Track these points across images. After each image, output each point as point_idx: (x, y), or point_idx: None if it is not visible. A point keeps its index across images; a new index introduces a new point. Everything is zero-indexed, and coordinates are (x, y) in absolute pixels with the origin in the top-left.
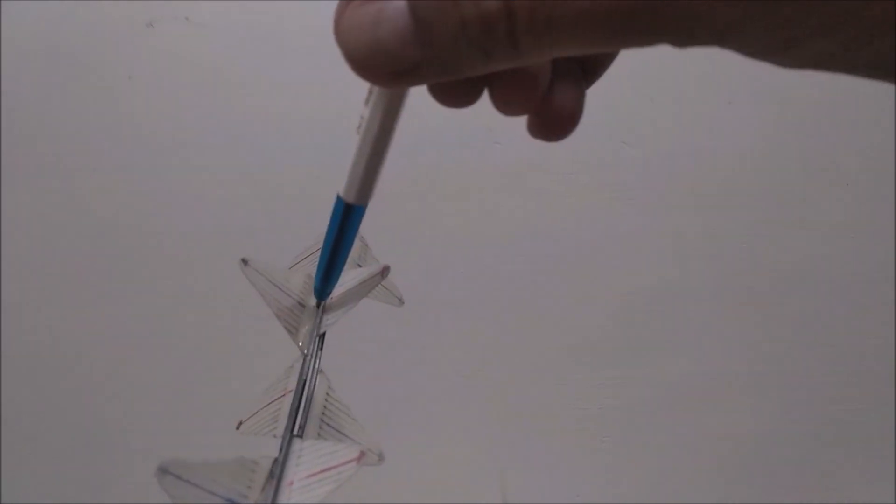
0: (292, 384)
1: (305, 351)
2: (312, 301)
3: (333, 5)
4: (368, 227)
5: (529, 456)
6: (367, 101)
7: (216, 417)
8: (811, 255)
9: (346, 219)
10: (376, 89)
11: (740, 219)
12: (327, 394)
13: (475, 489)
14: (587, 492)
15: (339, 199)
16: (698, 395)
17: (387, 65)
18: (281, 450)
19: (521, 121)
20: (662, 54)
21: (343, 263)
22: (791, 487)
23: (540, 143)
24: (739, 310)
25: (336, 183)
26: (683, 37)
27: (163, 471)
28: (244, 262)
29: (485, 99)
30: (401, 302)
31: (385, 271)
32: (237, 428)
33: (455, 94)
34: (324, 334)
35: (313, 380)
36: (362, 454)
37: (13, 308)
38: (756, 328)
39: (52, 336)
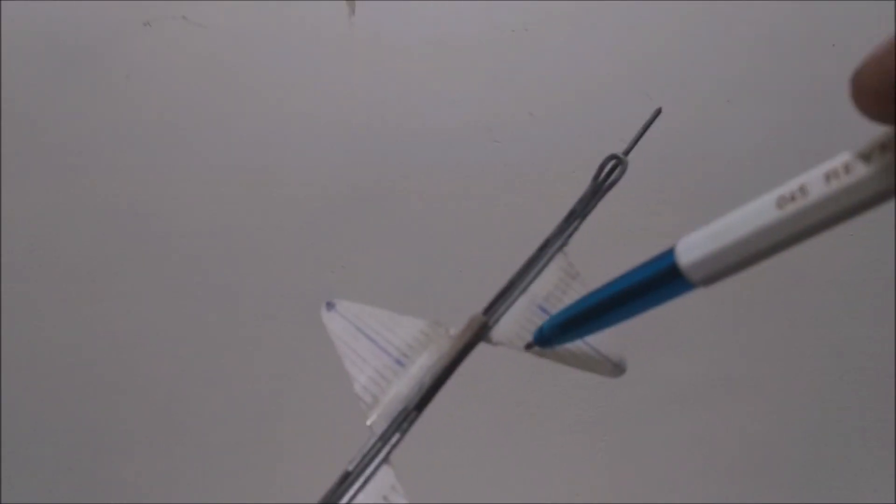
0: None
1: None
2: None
3: (333, 4)
4: (368, 226)
5: (529, 456)
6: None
7: (217, 417)
8: (811, 254)
9: (665, 286)
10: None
11: None
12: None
13: (475, 489)
14: (587, 492)
15: (672, 261)
16: (698, 395)
17: None
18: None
19: (521, 121)
20: (661, 53)
21: (605, 327)
22: (791, 487)
23: (539, 143)
24: (739, 310)
25: (336, 184)
26: None
27: (329, 305)
28: (329, 305)
29: (484, 99)
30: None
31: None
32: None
33: None
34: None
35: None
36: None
37: (13, 308)
38: (756, 328)
39: (52, 336)
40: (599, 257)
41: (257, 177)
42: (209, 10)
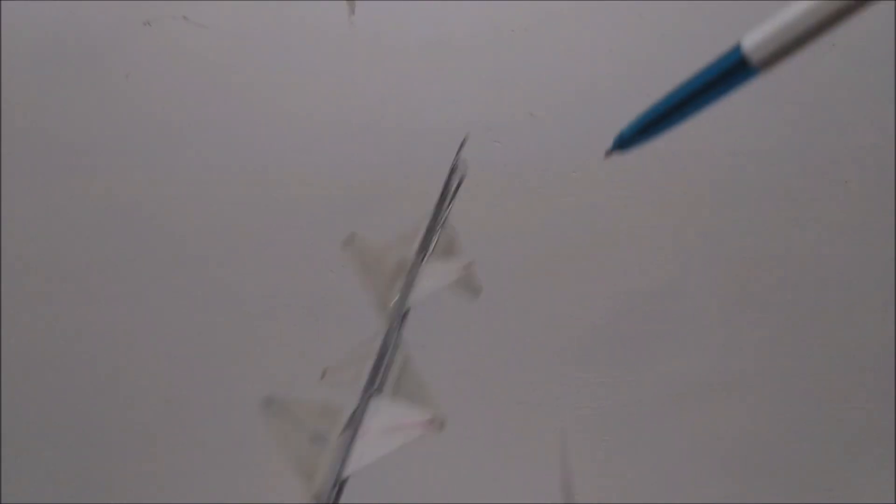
0: (375, 349)
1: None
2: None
3: (332, 5)
4: (368, 226)
5: (529, 456)
6: None
7: (217, 417)
8: (811, 254)
9: (730, 77)
10: None
11: (740, 218)
12: (404, 363)
13: (475, 489)
14: (587, 492)
15: (737, 50)
16: (698, 394)
17: None
18: (360, 402)
19: (522, 121)
20: (661, 52)
21: (677, 124)
22: (791, 487)
23: (540, 143)
24: (739, 310)
25: (336, 184)
26: None
27: (268, 400)
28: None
29: (484, 99)
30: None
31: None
32: (321, 377)
33: None
34: (407, 311)
35: (394, 348)
36: (430, 421)
37: (13, 308)
38: (756, 328)
39: (52, 336)
40: (600, 257)
41: (257, 176)
42: (209, 9)
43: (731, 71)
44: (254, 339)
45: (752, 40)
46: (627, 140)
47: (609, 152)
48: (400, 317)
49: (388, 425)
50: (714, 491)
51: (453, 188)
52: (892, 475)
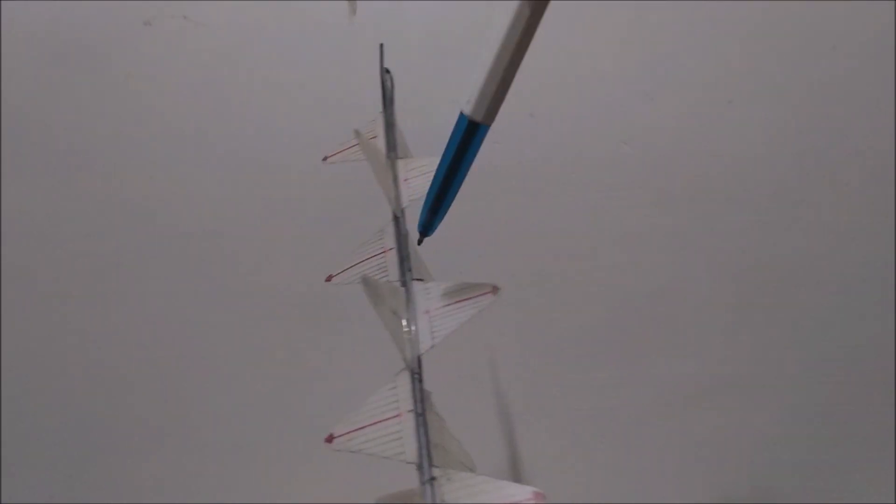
0: (389, 243)
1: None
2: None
3: (332, 4)
4: (368, 226)
5: (529, 456)
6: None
7: (217, 417)
8: (811, 255)
9: (470, 140)
10: None
11: (740, 219)
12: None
13: None
14: (587, 492)
15: (462, 118)
16: (698, 394)
17: None
18: (406, 288)
19: (522, 121)
20: (662, 53)
21: (456, 193)
22: (791, 487)
23: (538, 143)
24: (739, 310)
25: (336, 183)
26: None
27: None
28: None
29: None
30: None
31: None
32: (326, 280)
33: None
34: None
35: (405, 238)
36: (493, 288)
37: (13, 308)
38: (756, 328)
39: (52, 336)
40: (600, 256)
41: (257, 176)
42: (210, 9)
43: (468, 135)
44: (254, 339)
45: (467, 103)
46: (425, 226)
47: (419, 240)
48: (401, 212)
49: (448, 300)
50: (714, 491)
51: (389, 89)
52: (892, 475)
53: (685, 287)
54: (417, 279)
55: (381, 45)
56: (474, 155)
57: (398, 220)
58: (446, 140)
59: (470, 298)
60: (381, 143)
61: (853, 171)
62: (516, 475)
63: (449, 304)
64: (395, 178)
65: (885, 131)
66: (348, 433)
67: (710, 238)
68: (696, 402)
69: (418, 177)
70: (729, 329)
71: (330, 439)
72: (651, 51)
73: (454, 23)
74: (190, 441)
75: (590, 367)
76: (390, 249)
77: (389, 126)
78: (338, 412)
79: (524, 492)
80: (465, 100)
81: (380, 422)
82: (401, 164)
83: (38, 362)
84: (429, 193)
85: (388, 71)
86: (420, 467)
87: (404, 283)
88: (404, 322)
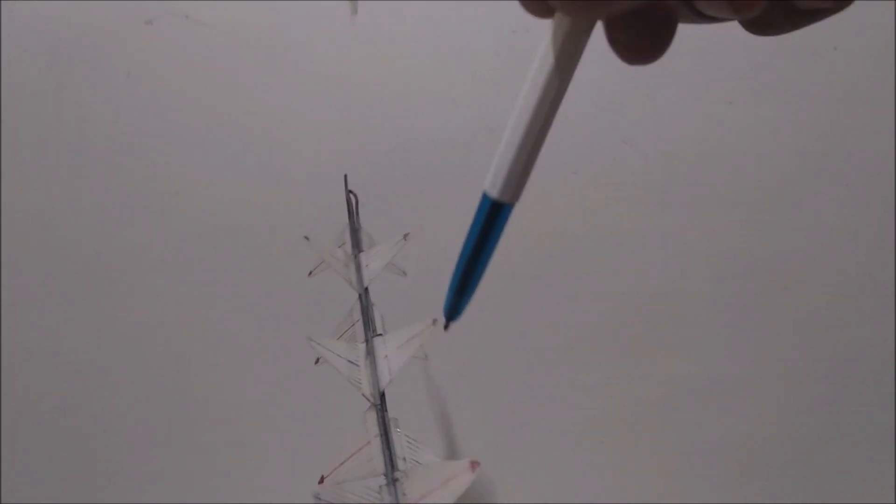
0: (357, 316)
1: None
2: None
3: (335, 4)
4: (368, 226)
5: (529, 456)
6: (534, 74)
7: (217, 417)
8: (811, 255)
9: (494, 221)
10: (545, 49)
11: (740, 219)
12: (381, 319)
13: (475, 489)
14: (587, 492)
15: (485, 198)
16: (698, 394)
17: None
18: (368, 343)
19: None
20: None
21: (482, 275)
22: (791, 487)
23: None
24: (739, 310)
25: (336, 183)
26: None
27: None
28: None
29: (484, 99)
30: (404, 273)
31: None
32: (315, 363)
33: (641, 39)
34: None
35: (369, 309)
36: (433, 322)
37: (13, 308)
38: (756, 328)
39: (52, 336)
40: (601, 256)
41: (258, 175)
42: (211, 8)
43: (492, 215)
44: (254, 340)
45: (491, 184)
46: (451, 310)
47: (446, 325)
48: (364, 290)
49: (400, 343)
50: (714, 491)
51: (354, 205)
52: (892, 475)
53: (685, 287)
54: (378, 335)
55: (346, 176)
56: (499, 235)
57: (361, 297)
58: (443, 142)
59: (415, 336)
60: (348, 245)
61: (853, 171)
62: (516, 474)
63: (400, 346)
64: (358, 268)
65: (885, 131)
66: (333, 471)
67: (710, 238)
68: (696, 403)
69: (376, 259)
70: (729, 329)
71: (321, 480)
72: None
73: (454, 23)
74: (190, 441)
75: (590, 367)
76: (357, 321)
77: (354, 231)
78: (336, 412)
79: (462, 464)
80: (489, 181)
81: (354, 453)
82: (363, 255)
83: (38, 362)
84: (454, 276)
85: (351, 192)
86: (385, 475)
87: (367, 341)
88: (363, 364)
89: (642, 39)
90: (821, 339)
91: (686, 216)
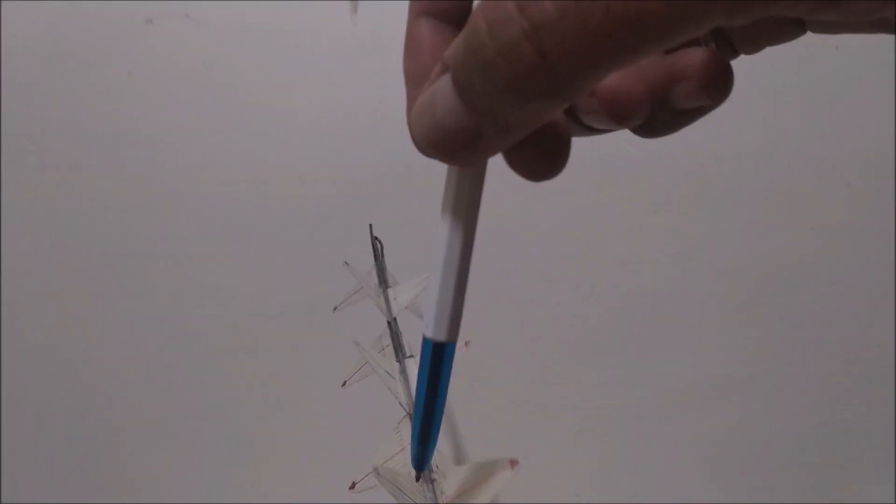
0: (386, 341)
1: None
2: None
3: (334, 4)
4: (367, 226)
5: (529, 456)
6: (443, 218)
7: (217, 417)
8: (811, 255)
9: (441, 361)
10: (452, 197)
11: (740, 219)
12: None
13: None
14: (587, 492)
15: (426, 342)
16: (698, 394)
17: (450, 143)
18: (400, 363)
19: None
20: None
21: (441, 418)
22: (791, 487)
23: None
24: (739, 309)
25: (337, 182)
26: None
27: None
28: None
29: None
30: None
31: (514, 464)
32: (342, 385)
33: (538, 162)
34: (395, 318)
35: (398, 336)
36: (466, 343)
37: (13, 308)
38: (756, 328)
39: (52, 336)
40: (600, 257)
41: (258, 175)
42: (211, 7)
43: (436, 357)
44: (254, 339)
45: (429, 328)
46: (418, 460)
47: (418, 476)
48: (393, 319)
49: None
50: (714, 491)
51: (380, 250)
52: (892, 475)
53: (685, 287)
54: (409, 357)
55: (371, 225)
56: (448, 375)
57: (390, 324)
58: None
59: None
60: (374, 276)
61: (853, 171)
62: (516, 474)
63: None
64: (387, 300)
65: (885, 131)
66: (366, 476)
67: (710, 239)
68: (696, 402)
69: (403, 294)
70: (729, 329)
71: (352, 486)
72: None
73: None
74: (189, 441)
75: (590, 367)
76: (387, 345)
77: (381, 271)
78: (336, 412)
79: (501, 462)
80: (430, 328)
81: (390, 458)
82: (390, 291)
83: (38, 362)
84: (413, 427)
85: (377, 238)
86: (424, 477)
87: (399, 360)
88: (398, 378)
89: (539, 162)
90: (821, 339)
91: (686, 216)
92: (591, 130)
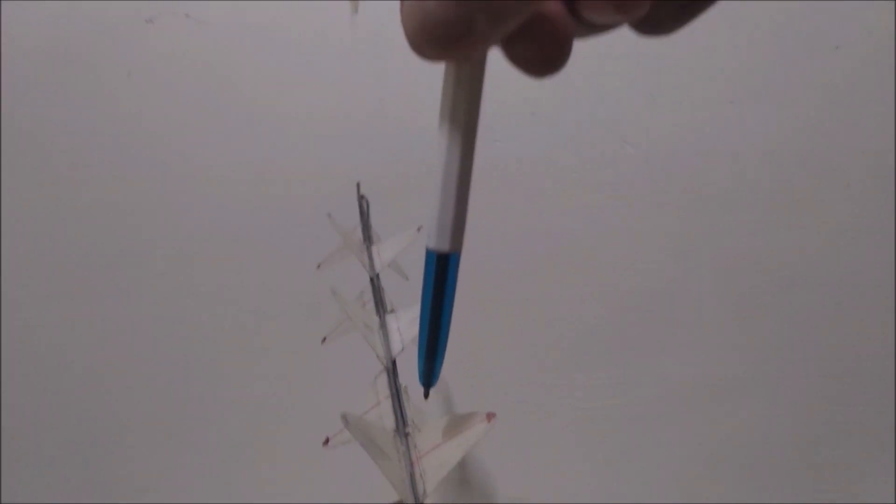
0: (367, 297)
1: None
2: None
3: (334, 4)
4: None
5: (529, 456)
6: (441, 126)
7: (216, 417)
8: (811, 255)
9: (446, 273)
10: (450, 101)
11: (740, 219)
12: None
13: (474, 488)
14: (587, 492)
15: (430, 254)
16: (698, 394)
17: (443, 35)
18: (381, 319)
19: (522, 119)
20: (664, 53)
21: (448, 332)
22: (791, 487)
23: (540, 142)
24: (739, 309)
25: (336, 182)
26: None
27: (334, 292)
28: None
29: (485, 98)
30: (406, 277)
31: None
32: (322, 342)
33: (535, 59)
34: (378, 274)
35: (380, 290)
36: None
37: (13, 308)
38: (756, 328)
39: (52, 336)
40: (600, 257)
41: (258, 174)
42: (211, 7)
43: (441, 269)
44: (254, 339)
45: (436, 239)
46: (426, 376)
47: (426, 394)
48: (376, 275)
49: (411, 319)
50: (714, 491)
51: (366, 209)
52: (892, 475)
53: (685, 287)
54: (390, 312)
55: (358, 184)
56: (454, 286)
57: (373, 280)
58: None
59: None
60: (359, 233)
61: (853, 171)
62: (516, 474)
63: (411, 321)
64: (370, 256)
65: (885, 131)
66: (340, 431)
67: (710, 238)
68: (696, 402)
69: (387, 251)
70: (729, 329)
71: (326, 441)
72: (653, 50)
73: None
74: (190, 440)
75: (590, 367)
76: (368, 301)
77: (365, 228)
78: (335, 411)
79: (478, 416)
80: (432, 238)
81: (365, 412)
82: (374, 248)
83: (38, 362)
84: (420, 342)
85: (363, 196)
86: (397, 429)
87: (380, 316)
88: (377, 333)
89: (539, 59)
90: (821, 339)
91: (686, 216)
92: (593, 30)
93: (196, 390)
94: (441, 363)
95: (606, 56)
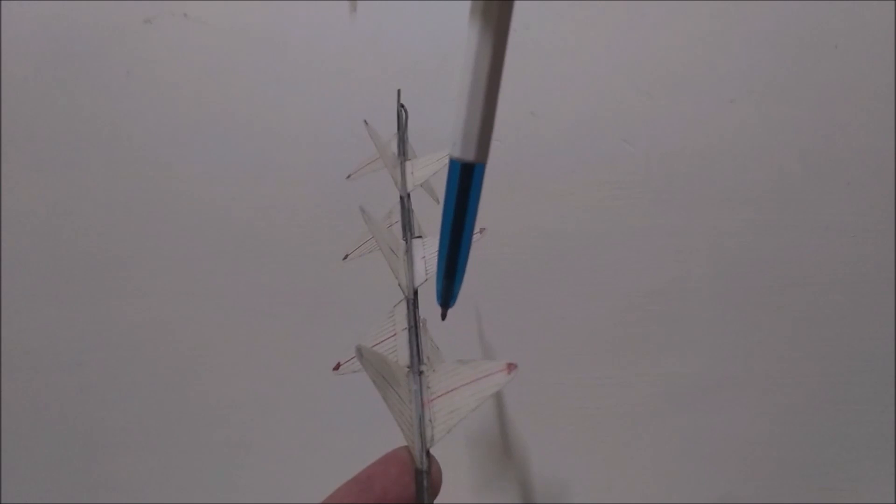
0: (396, 218)
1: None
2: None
3: (334, 3)
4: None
5: (529, 455)
6: (471, 24)
7: (216, 417)
8: (811, 254)
9: (469, 185)
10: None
11: (740, 218)
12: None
13: (474, 488)
14: (587, 492)
15: (454, 164)
16: (698, 394)
17: None
18: (407, 244)
19: (523, 120)
20: (664, 53)
21: (468, 249)
22: (791, 487)
23: (540, 142)
24: (740, 309)
25: (336, 181)
26: None
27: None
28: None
29: None
30: (438, 201)
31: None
32: (343, 259)
33: None
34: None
35: (411, 215)
36: (483, 230)
37: (13, 308)
38: (756, 328)
39: (52, 336)
40: (601, 255)
41: (257, 174)
42: (210, 7)
43: (464, 179)
44: (253, 339)
45: (456, 146)
46: (444, 295)
47: (443, 314)
48: (407, 195)
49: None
50: (714, 491)
51: (404, 118)
52: (892, 475)
53: (685, 286)
54: (417, 237)
55: (399, 90)
56: (477, 200)
57: (403, 199)
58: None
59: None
60: (394, 146)
61: (853, 170)
62: (516, 474)
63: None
64: (403, 173)
65: (885, 131)
66: (352, 359)
67: (711, 237)
68: (696, 402)
69: (421, 169)
70: (730, 329)
71: (337, 367)
72: (652, 49)
73: (454, 21)
74: (189, 440)
75: (590, 366)
76: (396, 222)
77: (402, 142)
78: (335, 411)
79: (498, 364)
80: (457, 147)
81: (379, 342)
82: (408, 164)
83: (38, 362)
84: (439, 260)
85: (403, 105)
86: (411, 367)
87: (406, 240)
88: (402, 258)
89: None
90: (821, 338)
91: (686, 215)
92: None
93: (196, 390)
94: (461, 283)
95: (605, 54)
